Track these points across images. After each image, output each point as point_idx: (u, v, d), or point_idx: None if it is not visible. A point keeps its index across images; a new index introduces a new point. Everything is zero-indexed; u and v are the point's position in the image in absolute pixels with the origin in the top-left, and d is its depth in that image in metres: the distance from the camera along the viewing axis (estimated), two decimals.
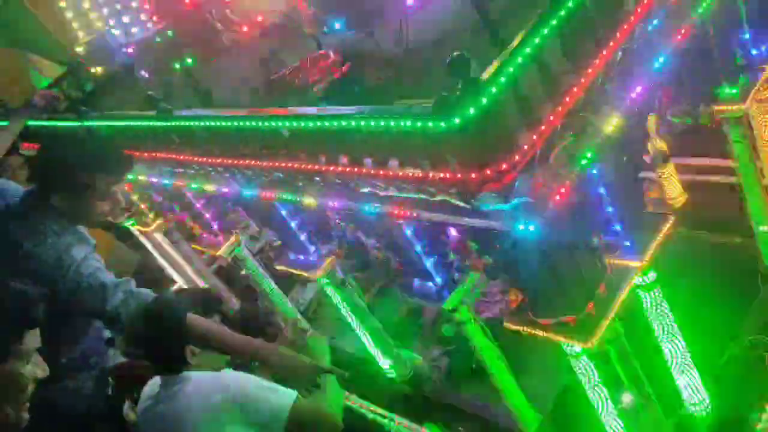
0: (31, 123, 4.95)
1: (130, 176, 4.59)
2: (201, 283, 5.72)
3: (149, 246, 5.53)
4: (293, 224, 3.62)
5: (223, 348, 2.65)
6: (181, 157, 3.54)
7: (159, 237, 5.39)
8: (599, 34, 2.24)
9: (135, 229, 5.45)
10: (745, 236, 3.88)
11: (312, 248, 3.72)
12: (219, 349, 2.64)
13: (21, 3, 5.61)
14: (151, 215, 5.20)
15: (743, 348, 3.51)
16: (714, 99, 3.08)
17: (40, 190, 2.91)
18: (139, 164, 4.00)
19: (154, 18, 3.57)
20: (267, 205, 3.63)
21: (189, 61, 3.86)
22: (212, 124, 3.08)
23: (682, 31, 2.63)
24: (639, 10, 2.33)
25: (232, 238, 4.55)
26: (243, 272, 4.87)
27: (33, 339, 1.99)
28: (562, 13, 2.09)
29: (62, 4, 4.95)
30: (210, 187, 3.76)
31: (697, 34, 2.70)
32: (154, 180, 4.29)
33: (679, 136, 3.20)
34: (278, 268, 4.07)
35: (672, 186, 3.42)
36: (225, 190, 3.68)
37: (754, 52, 3.11)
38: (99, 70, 5.23)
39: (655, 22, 2.48)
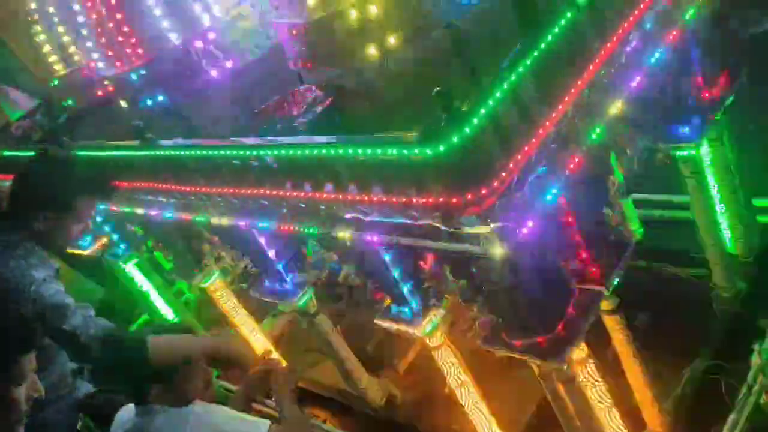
0: (6, 153, 4.98)
1: (103, 205, 4.67)
2: (170, 316, 5.73)
3: (120, 277, 5.53)
4: (271, 252, 3.70)
5: (190, 356, 2.66)
6: (162, 186, 3.63)
7: (130, 268, 5.40)
8: (569, 73, 2.44)
9: (106, 260, 5.46)
10: (699, 268, 4.14)
11: (288, 277, 3.81)
12: (186, 357, 2.65)
13: None
14: (122, 246, 5.22)
15: (700, 373, 3.70)
16: (669, 138, 3.32)
17: (20, 212, 2.94)
18: (115, 193, 4.08)
19: (139, 51, 3.68)
20: (245, 233, 3.72)
21: (160, 98, 4.00)
22: (197, 152, 3.19)
23: (638, 78, 2.87)
24: (602, 53, 2.54)
25: (206, 268, 4.62)
26: (215, 303, 4.92)
27: (29, 361, 2.02)
28: (536, 53, 2.29)
29: (40, 38, 5.02)
30: (186, 216, 3.85)
31: (652, 79, 2.94)
32: (129, 209, 4.35)
33: (637, 170, 3.42)
34: (253, 296, 4.13)
35: (631, 218, 3.62)
36: (201, 218, 3.77)
37: (705, 95, 3.37)
38: (72, 102, 5.31)
39: (613, 69, 2.69)
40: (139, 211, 4.22)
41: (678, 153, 3.41)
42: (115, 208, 4.47)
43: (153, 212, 4.13)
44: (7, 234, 2.87)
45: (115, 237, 5.23)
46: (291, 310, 4.02)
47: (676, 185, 3.86)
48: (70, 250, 5.65)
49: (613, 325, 3.14)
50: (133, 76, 3.83)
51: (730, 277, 3.95)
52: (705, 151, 3.59)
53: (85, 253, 5.53)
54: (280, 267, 3.78)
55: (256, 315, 5.11)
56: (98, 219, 5.16)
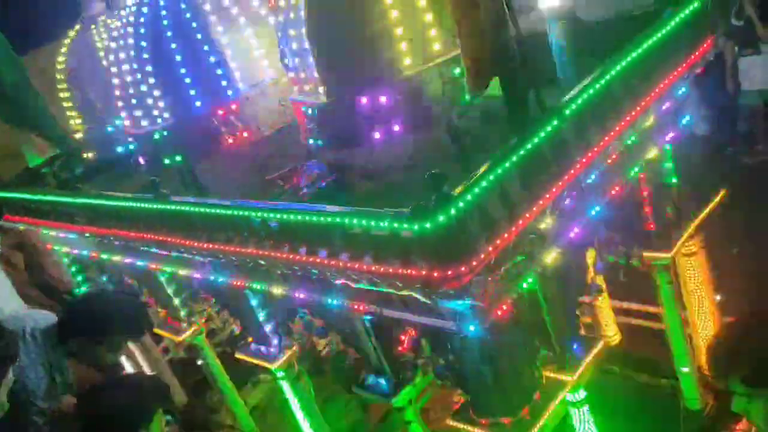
0: (15, 195, 5.22)
1: (103, 255, 4.87)
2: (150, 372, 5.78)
3: None
4: (261, 315, 3.87)
5: None
6: (167, 240, 3.83)
7: None
8: (551, 174, 2.69)
9: None
10: (670, 378, 4.27)
11: (275, 340, 3.95)
12: None
13: (31, 84, 6.01)
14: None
15: None
16: (646, 245, 3.55)
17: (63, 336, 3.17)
18: (117, 245, 4.28)
19: (165, 114, 3.98)
20: (239, 293, 3.90)
21: (178, 159, 4.26)
22: (204, 210, 3.41)
23: (617, 187, 3.13)
24: (584, 160, 2.81)
25: (195, 327, 4.75)
26: (199, 362, 5.02)
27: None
28: (522, 152, 2.55)
29: (72, 93, 5.36)
30: (185, 272, 4.03)
31: (631, 189, 3.20)
32: (129, 261, 4.54)
33: (614, 274, 3.63)
34: (238, 357, 4.26)
35: (606, 319, 3.81)
36: (197, 275, 3.96)
37: (682, 209, 3.63)
38: (91, 155, 5.60)
39: (593, 176, 2.95)
40: (140, 263, 4.42)
41: (654, 261, 3.62)
42: (116, 258, 4.68)
43: (153, 265, 4.33)
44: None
45: (110, 287, 5.38)
46: (274, 376, 4.13)
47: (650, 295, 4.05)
48: None
49: (578, 416, 3.26)
50: (156, 136, 4.12)
51: (698, 390, 4.07)
52: (679, 263, 3.81)
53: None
54: (267, 329, 3.93)
55: (235, 380, 5.20)
56: (103, 279, 5.35)
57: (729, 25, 6.33)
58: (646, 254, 3.57)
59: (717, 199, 3.79)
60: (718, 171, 5.94)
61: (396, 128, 3.26)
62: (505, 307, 2.64)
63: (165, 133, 4.30)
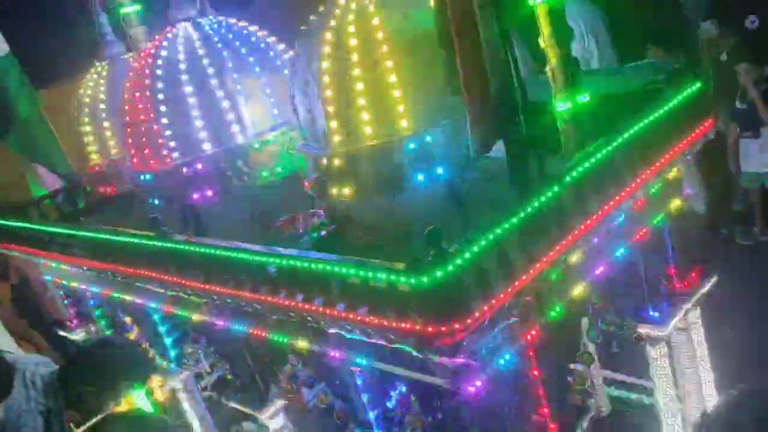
0: (14, 224, 5.26)
1: (94, 288, 4.88)
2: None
3: None
4: (251, 360, 3.85)
5: None
6: (164, 277, 3.85)
7: None
8: (550, 237, 2.73)
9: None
10: None
11: (263, 387, 3.92)
12: None
13: (43, 117, 6.14)
14: (108, 333, 5.34)
15: None
16: (640, 318, 3.57)
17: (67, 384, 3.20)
18: (113, 280, 4.30)
19: (174, 155, 4.05)
20: (229, 337, 3.90)
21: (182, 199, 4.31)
22: (203, 250, 3.43)
23: (613, 257, 3.17)
24: (582, 228, 2.85)
25: (183, 371, 4.71)
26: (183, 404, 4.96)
27: None
28: (521, 214, 2.60)
29: (85, 128, 5.45)
30: (179, 311, 4.04)
31: (628, 260, 3.24)
32: (124, 297, 4.54)
33: (607, 345, 3.64)
34: (225, 403, 4.22)
35: (597, 389, 3.78)
36: (191, 316, 3.96)
37: (677, 285, 3.66)
38: (95, 190, 5.67)
39: (591, 244, 2.99)
40: (134, 299, 4.42)
41: (647, 333, 3.62)
42: (113, 293, 4.68)
43: (148, 302, 4.34)
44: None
45: (102, 323, 5.37)
46: (260, 424, 4.08)
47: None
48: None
49: None
50: (163, 176, 4.17)
51: None
52: (674, 339, 3.81)
53: (76, 338, 5.67)
54: (256, 376, 3.91)
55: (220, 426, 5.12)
56: (91, 303, 5.35)
57: (733, 108, 6.50)
58: (639, 326, 3.57)
59: (712, 277, 3.82)
60: (714, 249, 6.02)
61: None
62: (496, 368, 2.64)
63: (172, 173, 4.36)
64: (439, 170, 3.26)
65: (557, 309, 2.90)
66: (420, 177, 3.26)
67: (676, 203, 3.51)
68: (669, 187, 3.49)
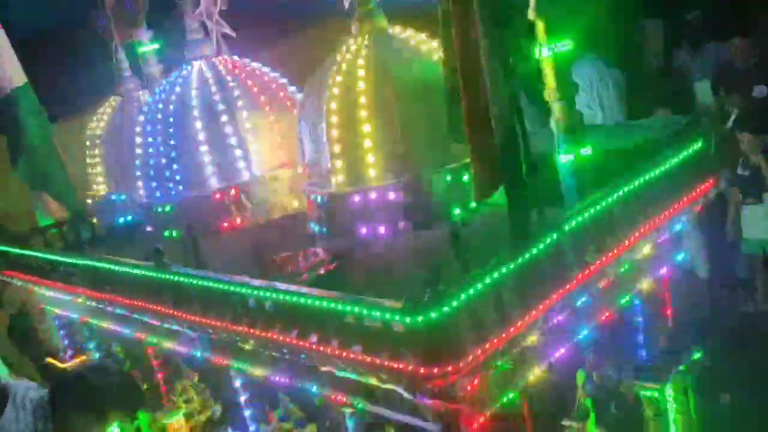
0: (17, 251, 5.29)
1: (90, 320, 4.86)
2: None
3: None
4: (242, 398, 3.81)
5: None
6: (160, 309, 3.84)
7: None
8: (546, 286, 2.74)
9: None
10: None
11: (252, 427, 3.87)
12: None
13: (54, 147, 6.22)
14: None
15: None
16: (636, 374, 3.53)
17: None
18: (110, 312, 4.29)
19: (180, 187, 4.10)
20: (222, 374, 3.86)
21: (174, 233, 4.34)
22: (204, 284, 3.44)
23: (609, 312, 3.17)
24: (580, 276, 2.86)
25: (174, 405, 4.65)
26: None
27: None
28: (520, 260, 2.60)
29: (95, 159, 5.53)
30: (173, 345, 4.01)
31: (624, 315, 3.23)
32: (119, 329, 4.53)
33: (603, 406, 3.58)
34: None
35: None
36: (184, 350, 3.93)
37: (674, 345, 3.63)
38: (99, 221, 5.72)
39: (583, 298, 2.99)
40: (129, 332, 4.41)
41: (642, 392, 3.58)
42: (107, 325, 4.67)
43: (142, 335, 4.32)
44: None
45: (97, 356, 5.33)
46: None
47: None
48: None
49: None
50: (168, 208, 4.22)
51: None
52: (669, 397, 3.76)
53: (65, 366, 5.62)
54: (246, 414, 3.86)
55: None
56: (86, 334, 5.32)
57: (734, 174, 6.55)
58: (636, 384, 3.53)
59: (711, 341, 3.80)
60: (714, 315, 5.99)
61: (401, 225, 3.35)
62: (488, 417, 2.61)
63: (177, 206, 4.41)
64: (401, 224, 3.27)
65: (549, 362, 2.88)
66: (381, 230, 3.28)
67: (675, 261, 3.52)
68: (670, 243, 3.51)
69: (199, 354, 3.84)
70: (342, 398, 3.01)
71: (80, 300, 4.58)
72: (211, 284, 3.37)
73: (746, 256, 6.97)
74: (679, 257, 3.62)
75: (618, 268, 3.10)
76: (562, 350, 2.96)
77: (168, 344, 4.11)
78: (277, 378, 3.36)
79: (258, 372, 3.46)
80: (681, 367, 3.65)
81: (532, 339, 2.74)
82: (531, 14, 2.88)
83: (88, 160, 5.83)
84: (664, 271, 3.50)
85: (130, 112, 5.41)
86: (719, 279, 7.01)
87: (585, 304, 2.99)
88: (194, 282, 3.50)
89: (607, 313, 3.16)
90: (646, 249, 3.24)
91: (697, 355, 3.71)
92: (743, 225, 6.73)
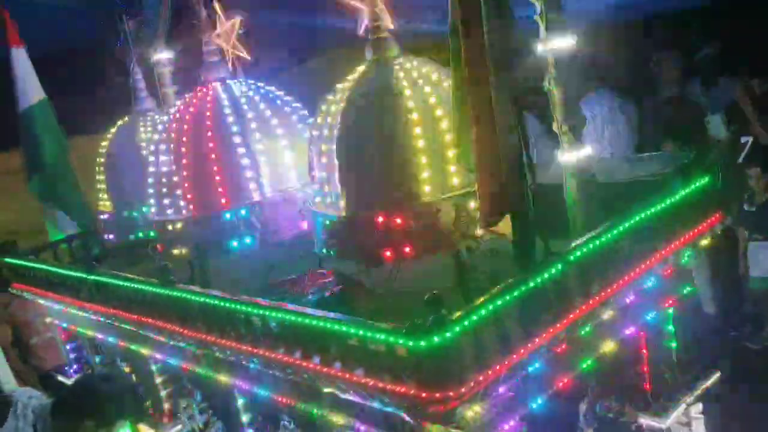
0: (27, 264, 5.34)
1: (96, 334, 4.89)
2: None
3: None
4: (245, 417, 3.82)
5: None
6: (166, 326, 3.87)
7: None
8: (550, 314, 2.75)
9: None
10: None
11: None
12: None
13: (69, 164, 6.32)
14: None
15: None
16: (640, 405, 3.51)
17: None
18: (116, 327, 4.32)
19: (191, 206, 4.15)
20: (224, 393, 3.87)
21: (183, 251, 4.38)
22: (209, 302, 3.47)
23: (611, 343, 3.17)
24: (584, 307, 2.87)
25: (176, 421, 4.66)
26: None
27: None
28: (523, 288, 2.62)
29: (102, 177, 5.61)
30: (177, 362, 4.03)
31: (630, 346, 3.23)
32: (124, 344, 4.55)
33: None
34: None
35: None
36: (189, 367, 3.95)
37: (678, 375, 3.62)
38: (110, 237, 5.78)
39: (588, 327, 2.99)
40: (135, 347, 4.43)
41: (645, 424, 3.56)
42: (113, 340, 4.70)
43: (147, 351, 4.34)
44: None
45: (101, 370, 5.34)
46: None
47: None
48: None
49: None
50: (178, 225, 4.27)
51: None
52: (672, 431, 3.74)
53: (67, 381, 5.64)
54: None
55: None
56: (96, 359, 5.35)
57: (741, 211, 6.55)
58: (640, 415, 3.52)
59: (715, 376, 3.77)
60: (721, 350, 5.94)
61: (407, 250, 3.38)
62: None
63: (188, 224, 4.46)
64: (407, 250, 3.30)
65: (552, 388, 2.88)
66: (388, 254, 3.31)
67: (684, 293, 3.52)
68: (676, 277, 3.51)
69: (202, 371, 3.86)
70: (343, 420, 3.02)
71: (87, 314, 4.62)
72: (216, 302, 3.40)
73: (753, 292, 6.94)
74: (686, 290, 3.62)
75: (622, 299, 3.11)
76: (565, 379, 2.96)
77: (172, 360, 4.12)
78: (279, 398, 3.37)
79: (261, 391, 3.47)
80: (686, 401, 3.64)
81: (536, 364, 2.75)
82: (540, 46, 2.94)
83: (97, 177, 5.91)
84: (670, 302, 3.49)
85: (132, 132, 5.50)
86: (726, 314, 6.97)
87: (587, 335, 3.00)
88: (199, 300, 3.53)
89: (610, 345, 3.16)
90: (652, 280, 3.26)
91: (701, 390, 3.70)
92: (750, 262, 6.71)
